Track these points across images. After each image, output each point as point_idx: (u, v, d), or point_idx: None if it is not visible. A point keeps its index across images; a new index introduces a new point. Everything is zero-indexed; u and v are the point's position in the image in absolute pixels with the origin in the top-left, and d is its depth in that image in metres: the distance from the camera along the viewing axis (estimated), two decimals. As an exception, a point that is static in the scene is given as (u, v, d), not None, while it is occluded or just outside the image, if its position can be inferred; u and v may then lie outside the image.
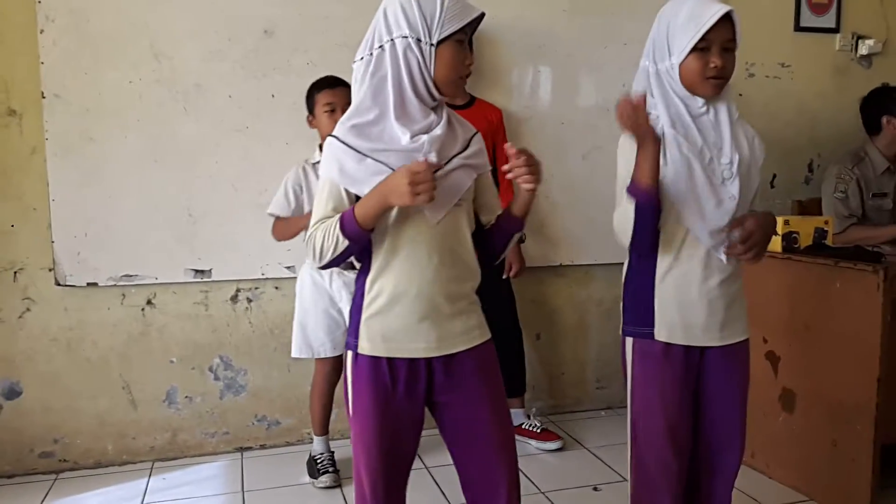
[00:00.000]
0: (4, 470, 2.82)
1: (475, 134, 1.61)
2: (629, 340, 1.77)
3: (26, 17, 2.68)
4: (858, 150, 3.15)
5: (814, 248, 2.56)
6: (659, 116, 1.67)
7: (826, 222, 2.62)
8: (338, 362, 2.73)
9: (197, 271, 2.90)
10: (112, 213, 2.81)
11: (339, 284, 2.65)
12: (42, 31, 2.69)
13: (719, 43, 1.61)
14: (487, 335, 1.63)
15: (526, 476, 2.73)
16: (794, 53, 3.57)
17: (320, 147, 2.64)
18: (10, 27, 2.70)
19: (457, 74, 1.51)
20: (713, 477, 1.82)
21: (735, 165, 1.66)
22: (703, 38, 1.60)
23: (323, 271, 2.65)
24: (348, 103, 2.57)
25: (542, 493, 2.60)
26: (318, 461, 2.74)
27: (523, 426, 3.03)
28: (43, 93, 2.72)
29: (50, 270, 2.80)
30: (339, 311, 2.66)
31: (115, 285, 2.85)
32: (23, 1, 2.68)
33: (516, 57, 3.17)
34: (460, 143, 1.56)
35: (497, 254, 1.66)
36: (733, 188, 1.66)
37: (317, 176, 2.57)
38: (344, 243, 1.47)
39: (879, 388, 2.27)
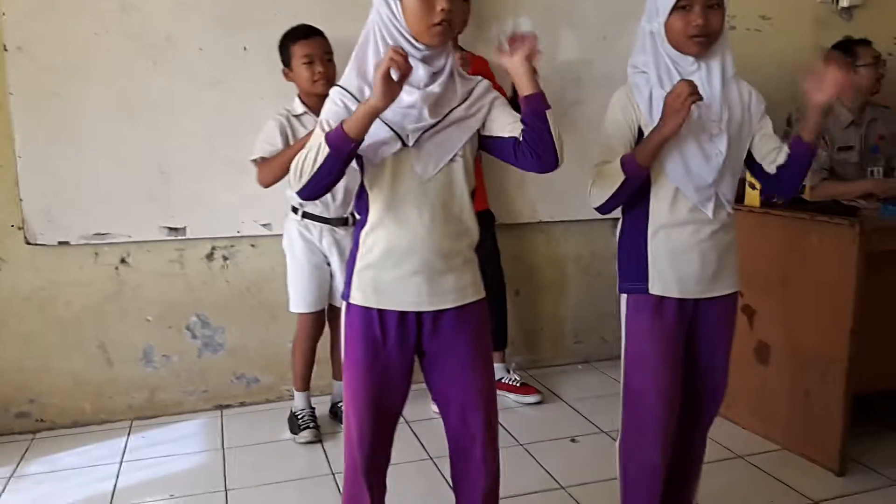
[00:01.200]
0: (-20, 431, 2.81)
1: (478, 83, 1.57)
2: (624, 297, 1.79)
3: (-15, -35, 2.58)
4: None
5: (791, 204, 2.57)
6: (649, 76, 1.68)
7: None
8: (320, 317, 2.74)
9: (171, 229, 2.86)
10: (82, 170, 2.74)
11: (329, 241, 2.64)
12: (2, -19, 2.59)
13: (700, 1, 1.60)
14: (481, 294, 1.63)
15: (505, 429, 2.76)
16: (775, 5, 3.53)
17: (300, 98, 2.59)
18: (-31, -24, 2.59)
19: (428, 23, 1.43)
20: (695, 426, 1.86)
21: (724, 122, 1.66)
22: None
23: (312, 228, 2.63)
24: (325, 52, 2.53)
25: (521, 444, 2.63)
26: (299, 417, 2.76)
27: (503, 380, 3.06)
28: (5, 45, 2.62)
29: (19, 229, 2.74)
30: (329, 267, 2.66)
31: (87, 244, 2.80)
32: (-19, -52, 2.57)
33: (496, 9, 3.11)
34: (459, 96, 1.53)
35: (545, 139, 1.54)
36: (721, 144, 1.66)
37: (304, 127, 2.54)
38: (325, 151, 1.41)
39: (852, 340, 2.30)
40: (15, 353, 2.81)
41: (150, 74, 2.76)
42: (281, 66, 2.59)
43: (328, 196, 2.50)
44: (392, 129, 1.47)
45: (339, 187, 2.51)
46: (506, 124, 1.55)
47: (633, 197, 1.71)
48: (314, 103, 2.54)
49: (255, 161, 2.54)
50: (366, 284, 1.55)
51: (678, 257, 1.71)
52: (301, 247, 2.66)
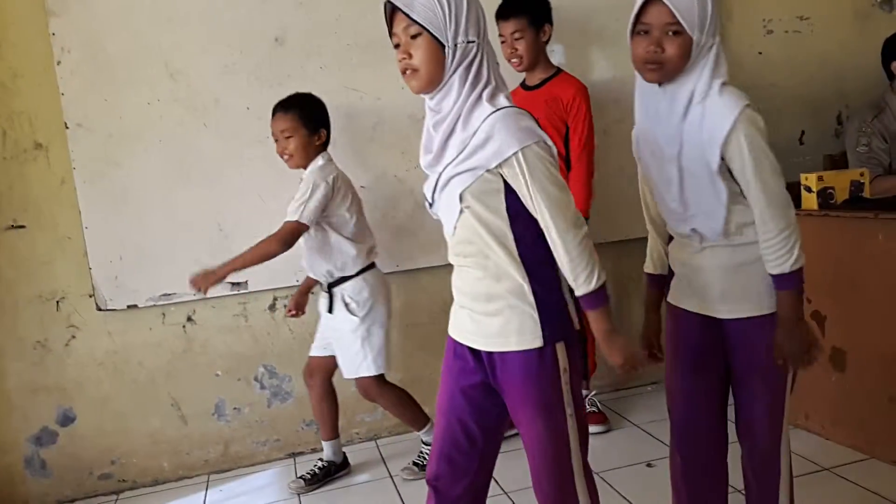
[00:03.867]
0: (66, 495, 2.89)
1: (480, 125, 1.46)
2: (664, 305, 1.84)
3: (43, 50, 2.73)
4: (878, 101, 3.07)
5: (851, 202, 2.51)
6: (637, 107, 1.69)
7: (861, 174, 2.57)
8: (309, 366, 2.81)
9: (233, 284, 2.93)
10: (144, 234, 2.84)
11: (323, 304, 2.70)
12: (59, 63, 2.73)
13: (659, 27, 1.52)
14: (534, 343, 1.52)
15: (578, 458, 2.72)
16: (812, 4, 3.48)
17: None
18: (28, 61, 2.74)
19: (402, 72, 1.51)
20: (743, 449, 1.77)
21: (674, 163, 1.59)
22: (642, 23, 1.54)
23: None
24: (282, 130, 2.57)
25: (597, 473, 2.57)
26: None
27: None
28: (66, 123, 2.76)
29: (90, 296, 2.85)
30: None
31: (154, 305, 2.89)
32: (38, 34, 2.72)
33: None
34: (458, 146, 1.48)
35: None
36: (673, 187, 1.62)
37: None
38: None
39: (932, 339, 2.21)
40: (94, 416, 2.91)
41: (202, 136, 2.87)
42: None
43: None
44: (424, 195, 1.60)
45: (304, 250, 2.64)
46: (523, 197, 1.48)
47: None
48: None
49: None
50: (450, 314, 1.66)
51: (681, 270, 1.73)
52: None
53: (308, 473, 2.75)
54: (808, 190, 2.54)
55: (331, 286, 2.63)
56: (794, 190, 2.65)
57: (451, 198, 1.50)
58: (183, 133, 2.85)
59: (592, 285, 1.48)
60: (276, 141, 2.59)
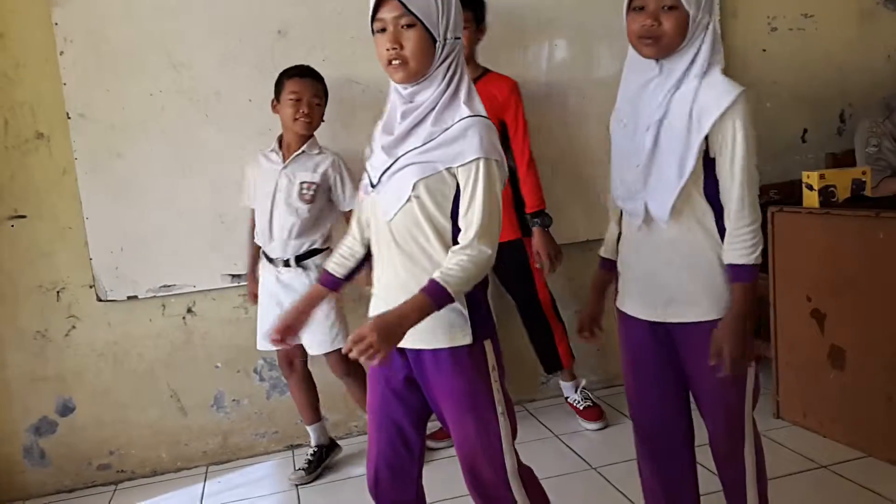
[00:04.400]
0: (65, 484, 2.90)
1: (453, 124, 1.47)
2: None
3: (45, 39, 2.72)
4: (890, 101, 3.06)
5: (853, 201, 2.51)
6: (622, 86, 1.72)
7: (863, 173, 2.56)
8: (284, 355, 2.79)
9: (233, 276, 2.93)
10: (145, 225, 2.85)
11: (276, 281, 2.65)
12: (62, 53, 2.73)
13: (655, 2, 1.53)
14: (463, 340, 1.53)
15: (576, 453, 2.73)
16: (817, 2, 3.46)
17: (279, 139, 2.67)
18: (31, 51, 2.74)
19: (383, 63, 1.49)
20: (713, 452, 1.73)
21: (652, 129, 1.57)
22: None
23: (265, 266, 2.71)
24: (314, 95, 2.57)
25: (594, 468, 2.60)
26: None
27: (569, 400, 3.04)
28: (68, 113, 2.76)
29: (91, 287, 2.85)
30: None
31: (154, 296, 2.90)
32: (41, 24, 2.72)
33: (529, 32, 3.13)
34: (422, 138, 1.48)
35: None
36: (646, 140, 1.57)
37: (261, 164, 2.65)
38: None
39: (932, 338, 2.21)
40: (94, 407, 2.91)
41: (203, 127, 2.87)
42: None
43: (267, 237, 2.63)
44: (367, 172, 1.58)
45: (276, 228, 2.61)
46: (463, 220, 1.48)
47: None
48: (290, 140, 2.64)
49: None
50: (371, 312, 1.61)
51: (629, 273, 1.70)
52: (262, 283, 2.71)
53: (305, 463, 2.76)
54: (810, 188, 2.54)
55: (300, 259, 2.62)
56: (795, 187, 2.67)
57: (403, 184, 1.49)
58: (185, 124, 2.85)
59: (453, 292, 1.44)
60: (297, 101, 2.55)
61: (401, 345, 1.46)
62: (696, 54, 1.55)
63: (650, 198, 1.59)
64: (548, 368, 3.05)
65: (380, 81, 1.90)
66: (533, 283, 2.98)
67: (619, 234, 1.75)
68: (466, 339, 1.53)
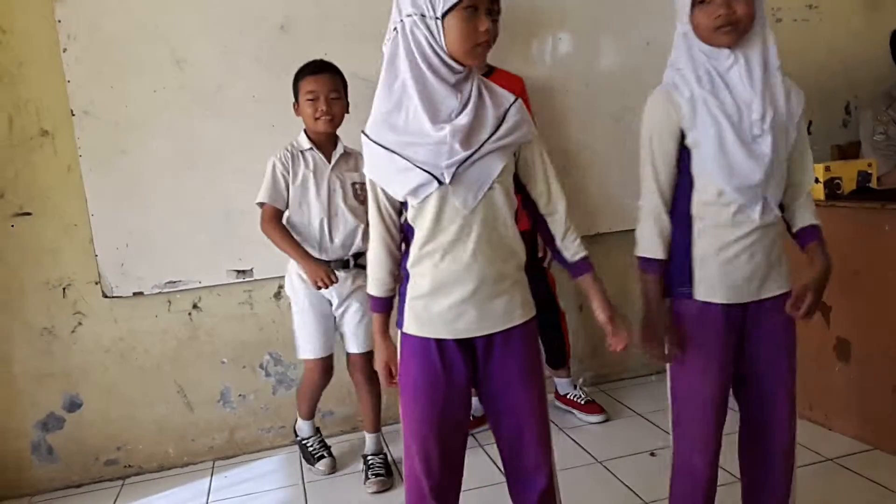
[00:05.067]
0: (72, 480, 2.91)
1: (512, 104, 1.53)
2: (666, 302, 1.73)
3: (48, 37, 2.73)
4: (891, 90, 3.05)
5: (858, 193, 2.50)
6: (685, 74, 1.62)
7: (869, 164, 2.55)
8: (329, 362, 2.70)
9: (239, 272, 2.94)
10: (150, 221, 2.85)
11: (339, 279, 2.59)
12: (65, 50, 2.73)
13: None
14: (531, 313, 1.63)
15: (581, 446, 2.73)
16: (822, -8, 3.45)
17: (306, 133, 2.59)
18: (34, 49, 2.74)
19: (470, 44, 1.44)
20: (767, 438, 1.76)
21: (767, 121, 1.58)
22: None
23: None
24: (331, 90, 2.52)
25: (600, 462, 2.60)
26: (309, 447, 2.81)
27: (568, 396, 3.04)
28: (72, 111, 2.76)
29: (96, 284, 2.86)
30: (331, 311, 2.65)
31: (160, 293, 2.91)
32: (44, 21, 2.72)
33: (536, 25, 3.13)
34: (491, 123, 1.49)
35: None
36: (764, 145, 1.58)
37: (305, 164, 2.55)
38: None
39: (938, 330, 2.21)
40: (101, 402, 2.93)
41: (207, 123, 2.87)
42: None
43: (326, 240, 2.55)
44: (426, 170, 1.46)
45: (338, 231, 2.56)
46: (532, 179, 1.61)
47: (676, 199, 1.68)
48: (320, 140, 2.57)
49: (260, 204, 2.55)
50: (419, 315, 1.57)
51: (724, 260, 1.65)
52: (303, 291, 2.60)
53: (381, 469, 2.65)
54: (815, 180, 2.52)
55: (357, 258, 2.59)
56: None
57: (488, 171, 1.49)
58: (189, 120, 2.85)
59: (585, 251, 1.67)
60: (315, 100, 2.49)
61: (474, 333, 1.55)
62: (765, 46, 1.60)
63: (770, 192, 1.63)
64: (555, 364, 3.05)
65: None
66: (546, 274, 2.98)
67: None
68: (532, 312, 1.63)
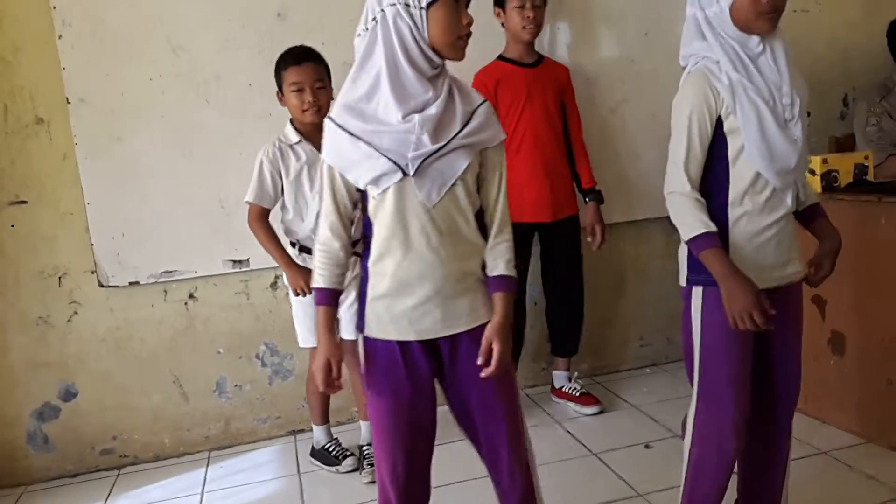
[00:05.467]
0: (68, 469, 2.91)
1: (480, 105, 1.52)
2: (697, 290, 1.70)
3: (43, 24, 2.70)
4: (885, 81, 3.05)
5: (855, 185, 2.50)
6: (719, 61, 1.62)
7: (866, 157, 2.55)
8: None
9: (235, 262, 2.93)
10: (146, 211, 2.84)
11: None
12: (60, 37, 2.71)
13: None
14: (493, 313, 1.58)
15: (576, 438, 2.74)
16: (820, -19, 3.44)
17: (293, 125, 2.52)
18: (29, 36, 2.72)
19: (454, 36, 1.44)
20: (775, 420, 1.81)
21: (797, 107, 1.62)
22: None
23: (309, 260, 2.54)
24: (316, 80, 2.47)
25: (594, 454, 2.61)
26: (330, 450, 2.74)
27: (563, 388, 3.05)
28: (67, 98, 2.74)
29: (92, 273, 2.85)
30: None
31: (156, 282, 2.90)
32: (39, 8, 2.70)
33: (574, 14, 3.15)
34: (459, 120, 1.48)
35: None
36: (796, 130, 1.62)
37: (296, 157, 2.48)
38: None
39: (933, 324, 2.22)
40: (96, 392, 2.92)
41: (203, 112, 2.85)
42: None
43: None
44: (391, 159, 1.44)
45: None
46: (485, 184, 1.57)
47: (709, 189, 1.67)
48: (308, 130, 2.49)
49: (248, 202, 2.50)
50: (381, 316, 1.54)
51: (760, 245, 1.66)
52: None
53: (367, 463, 2.62)
54: (812, 172, 2.52)
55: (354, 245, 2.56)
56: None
57: (452, 168, 1.47)
58: (185, 109, 2.84)
59: (513, 271, 1.58)
60: (300, 91, 2.41)
61: (438, 335, 1.52)
62: (782, 36, 1.63)
63: (799, 176, 1.68)
64: (565, 352, 3.06)
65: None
66: (581, 262, 3.01)
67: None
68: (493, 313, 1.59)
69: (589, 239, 2.96)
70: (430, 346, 1.55)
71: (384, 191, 1.46)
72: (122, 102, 2.79)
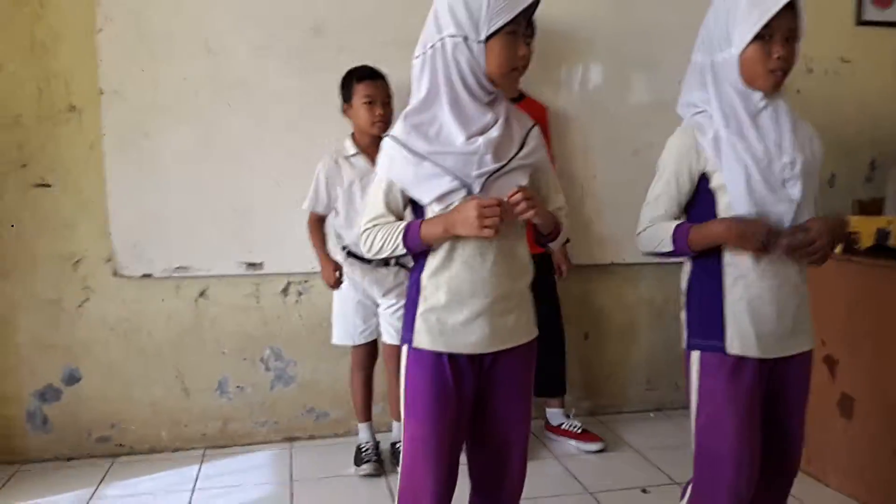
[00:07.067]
0: (63, 453, 2.92)
1: (532, 127, 1.62)
2: (695, 354, 1.67)
3: (86, 15, 2.75)
4: None
5: (875, 250, 2.48)
6: (712, 115, 1.61)
7: (889, 222, 2.53)
8: (372, 348, 2.80)
9: (249, 264, 2.95)
10: (166, 206, 2.87)
11: (370, 279, 2.68)
12: (100, 30, 2.76)
13: (782, 31, 1.53)
14: (535, 332, 1.67)
15: (573, 475, 2.71)
16: (856, 48, 3.44)
17: (353, 137, 2.65)
18: (71, 25, 2.77)
19: (509, 68, 1.50)
20: (774, 489, 1.75)
21: (797, 167, 1.58)
22: (766, 26, 1.52)
23: (354, 265, 2.67)
24: (387, 96, 2.58)
25: (591, 493, 2.58)
26: (363, 449, 2.79)
27: (562, 426, 3.01)
28: (101, 89, 2.79)
29: (108, 261, 2.88)
30: (373, 302, 2.72)
31: (169, 277, 2.92)
32: (83, 3, 2.75)
33: (565, 52, 3.13)
34: (517, 142, 1.56)
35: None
36: (794, 190, 1.58)
37: (353, 168, 2.60)
38: (402, 251, 1.55)
39: (943, 396, 2.18)
40: (99, 380, 2.94)
41: (230, 116, 2.88)
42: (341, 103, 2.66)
43: None
44: (457, 177, 1.49)
45: None
46: (545, 200, 1.63)
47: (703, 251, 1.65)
48: (367, 143, 2.61)
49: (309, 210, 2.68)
50: (431, 328, 1.56)
51: (758, 312, 1.60)
52: (345, 284, 2.70)
53: (377, 458, 2.77)
54: (845, 236, 2.50)
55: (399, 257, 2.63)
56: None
57: (512, 187, 1.52)
58: (213, 110, 2.87)
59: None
60: (372, 104, 2.56)
61: (487, 349, 1.56)
62: (785, 94, 1.62)
63: None
64: (552, 391, 3.03)
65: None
66: (557, 296, 3.00)
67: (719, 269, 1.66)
68: (536, 332, 1.66)
69: (557, 274, 2.99)
70: (475, 360, 1.58)
71: (447, 209, 1.51)
72: (154, 98, 2.83)
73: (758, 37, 1.53)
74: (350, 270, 2.69)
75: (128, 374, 2.96)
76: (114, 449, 2.97)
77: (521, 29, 1.50)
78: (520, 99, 2.84)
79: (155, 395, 2.99)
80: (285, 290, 3.04)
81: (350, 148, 2.64)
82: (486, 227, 1.44)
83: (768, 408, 1.69)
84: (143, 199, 2.85)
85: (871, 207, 3.18)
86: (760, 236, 1.54)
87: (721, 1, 1.61)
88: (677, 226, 1.63)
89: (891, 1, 3.44)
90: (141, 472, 2.82)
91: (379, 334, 2.78)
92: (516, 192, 1.49)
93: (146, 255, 2.88)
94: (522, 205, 1.49)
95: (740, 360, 1.62)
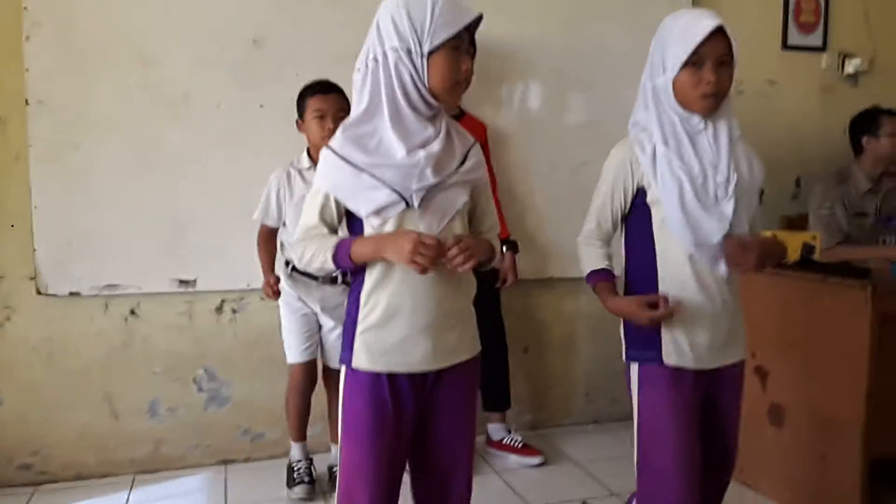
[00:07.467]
0: (-20, 482, 2.77)
1: (473, 145, 1.61)
2: (634, 366, 1.72)
3: (12, 23, 2.65)
4: (844, 170, 3.18)
5: (801, 264, 2.56)
6: (652, 133, 1.66)
7: (814, 237, 2.62)
8: (309, 369, 2.73)
9: (182, 281, 2.87)
10: (96, 221, 2.77)
11: (314, 297, 2.64)
12: (27, 38, 2.66)
13: (713, 58, 1.59)
14: (478, 348, 1.66)
15: (513, 490, 2.71)
16: (782, 71, 3.60)
17: (308, 152, 2.61)
18: (-4, 33, 2.67)
19: (452, 82, 1.50)
20: (710, 496, 1.79)
21: (731, 185, 1.63)
22: (695, 53, 1.58)
23: (299, 281, 2.62)
24: (339, 110, 2.57)
25: (530, 508, 2.58)
26: (295, 469, 2.72)
27: (504, 441, 3.01)
28: (27, 99, 2.68)
29: (31, 279, 2.75)
30: (317, 320, 2.68)
31: (97, 295, 2.81)
32: (9, 8, 2.65)
33: (506, 71, 3.17)
34: (458, 157, 1.55)
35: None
36: (727, 208, 1.63)
37: (304, 181, 2.56)
38: (331, 267, 1.52)
39: (868, 403, 2.27)
40: (20, 403, 2.79)
41: (168, 128, 2.81)
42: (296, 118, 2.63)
43: None
44: (395, 191, 1.47)
45: None
46: (479, 219, 1.65)
47: (639, 260, 1.71)
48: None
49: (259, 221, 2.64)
50: (370, 347, 1.53)
51: (692, 324, 1.65)
52: (291, 297, 2.66)
53: (308, 479, 2.70)
54: (781, 259, 2.57)
55: (345, 275, 2.56)
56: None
57: (452, 202, 1.52)
58: (149, 123, 2.79)
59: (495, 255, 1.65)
60: (322, 118, 2.50)
61: (429, 367, 1.53)
62: (730, 117, 1.68)
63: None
64: (496, 405, 3.03)
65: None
66: (500, 310, 3.00)
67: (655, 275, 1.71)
68: (479, 348, 1.66)
69: (498, 286, 2.98)
70: (416, 379, 1.55)
71: (384, 222, 1.49)
72: (85, 110, 2.73)
73: (689, 63, 1.59)
74: (295, 285, 2.63)
75: (52, 396, 2.82)
76: (36, 476, 2.82)
77: (464, 44, 1.50)
78: (460, 116, 2.86)
79: (81, 419, 2.85)
80: (219, 308, 2.96)
81: (305, 161, 2.60)
82: (416, 262, 1.41)
83: (704, 417, 1.73)
84: (72, 213, 2.75)
85: (798, 223, 3.31)
86: (644, 322, 1.64)
87: (662, 27, 1.67)
88: (592, 271, 1.77)
89: (813, 27, 3.61)
90: (65, 500, 2.69)
91: (320, 355, 2.73)
92: (454, 245, 1.45)
93: (73, 272, 2.77)
94: (459, 258, 1.45)
95: (677, 371, 1.67)
